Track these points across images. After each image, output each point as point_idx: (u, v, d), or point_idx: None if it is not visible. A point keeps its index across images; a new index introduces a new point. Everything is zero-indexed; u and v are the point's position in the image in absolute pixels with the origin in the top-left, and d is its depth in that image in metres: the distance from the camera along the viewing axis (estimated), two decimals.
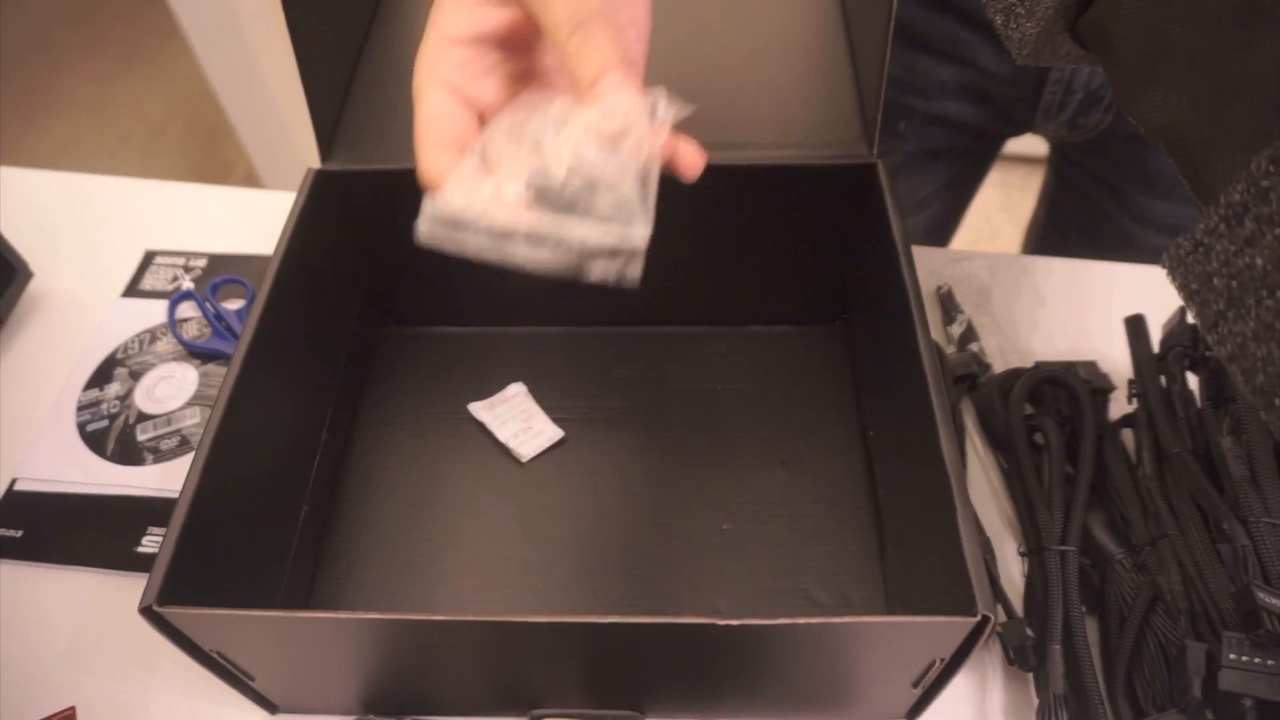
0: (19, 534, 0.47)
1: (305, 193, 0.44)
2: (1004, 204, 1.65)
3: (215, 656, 0.35)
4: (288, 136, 1.63)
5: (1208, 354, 0.43)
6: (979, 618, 0.30)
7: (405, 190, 0.47)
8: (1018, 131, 0.66)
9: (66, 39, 2.18)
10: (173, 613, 0.31)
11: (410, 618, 0.31)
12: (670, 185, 0.46)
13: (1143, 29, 0.27)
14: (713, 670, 0.35)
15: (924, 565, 0.37)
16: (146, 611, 0.31)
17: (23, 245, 0.56)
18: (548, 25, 0.30)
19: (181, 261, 0.59)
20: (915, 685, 0.36)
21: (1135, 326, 0.46)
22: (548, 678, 0.38)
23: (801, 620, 0.30)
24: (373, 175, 0.46)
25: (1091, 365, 0.48)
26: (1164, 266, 0.26)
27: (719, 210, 0.47)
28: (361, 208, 0.47)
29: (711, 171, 0.45)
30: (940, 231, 0.77)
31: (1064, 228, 0.75)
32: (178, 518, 0.34)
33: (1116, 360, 0.49)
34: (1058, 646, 0.39)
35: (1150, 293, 0.48)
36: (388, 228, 0.48)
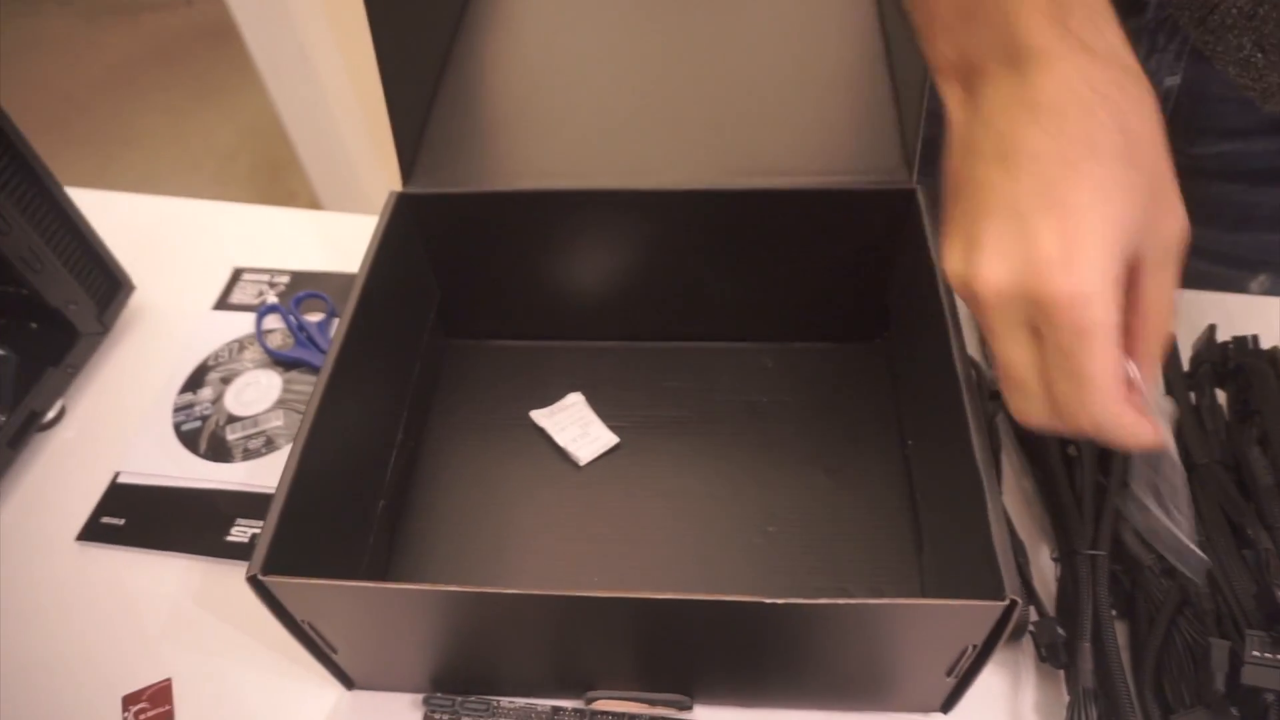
0: (121, 522, 0.52)
1: (388, 214, 0.49)
2: None
3: (305, 627, 0.39)
4: (350, 167, 1.71)
5: (1235, 369, 0.45)
6: (1007, 601, 0.32)
7: (476, 212, 0.52)
8: None
9: (144, 76, 2.31)
10: (274, 582, 0.35)
11: (478, 590, 0.34)
12: (716, 210, 0.50)
13: None
14: (758, 653, 0.38)
15: (957, 559, 0.40)
16: (253, 581, 0.35)
17: (124, 262, 0.62)
18: None
19: (266, 278, 0.64)
20: (949, 674, 0.38)
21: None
22: (602, 659, 0.40)
23: (841, 600, 0.33)
24: (448, 198, 0.50)
25: None
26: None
27: (766, 233, 0.50)
28: (436, 228, 0.52)
29: (758, 196, 0.49)
30: None
31: None
32: (277, 503, 0.37)
33: None
34: (1087, 644, 0.40)
35: (1181, 316, 0.50)
36: (459, 247, 0.53)
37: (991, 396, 0.52)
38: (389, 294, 0.48)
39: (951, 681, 0.39)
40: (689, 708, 0.42)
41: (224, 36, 2.25)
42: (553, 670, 0.42)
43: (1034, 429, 0.32)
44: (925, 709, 0.42)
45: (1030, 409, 0.31)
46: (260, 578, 0.35)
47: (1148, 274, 0.30)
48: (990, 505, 0.34)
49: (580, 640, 0.39)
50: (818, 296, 0.54)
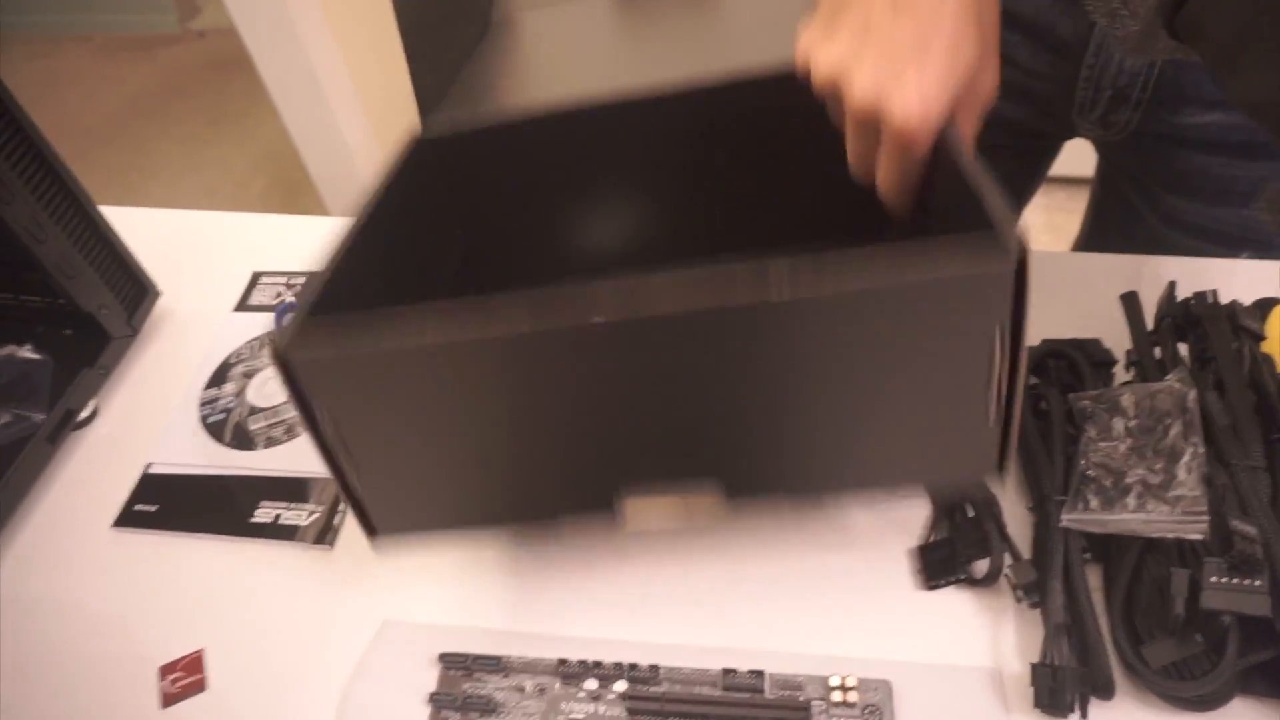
0: (154, 508, 0.55)
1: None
2: (1049, 225, 1.67)
3: (327, 427, 0.36)
4: (363, 186, 1.76)
5: (1194, 321, 0.47)
6: (1016, 250, 0.29)
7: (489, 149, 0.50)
8: (1060, 129, 0.69)
9: (161, 107, 2.38)
10: (300, 360, 0.33)
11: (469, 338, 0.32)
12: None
13: (1233, 19, 0.33)
14: (779, 390, 0.34)
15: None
16: (279, 360, 0.34)
17: (150, 269, 0.66)
18: None
19: (284, 279, 0.67)
20: (989, 398, 0.34)
21: (1130, 302, 0.50)
22: (624, 451, 0.37)
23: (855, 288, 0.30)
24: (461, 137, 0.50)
25: (1095, 342, 0.53)
26: (1259, 209, 0.33)
27: (786, 123, 0.46)
28: (454, 173, 0.50)
29: (771, 82, 0.46)
30: None
31: (1104, 232, 0.78)
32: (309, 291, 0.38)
33: (1118, 339, 0.53)
34: (1057, 582, 0.43)
35: (1147, 277, 0.53)
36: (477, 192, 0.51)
37: None
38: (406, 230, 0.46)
39: (996, 432, 0.36)
40: (722, 496, 0.38)
41: (236, 66, 2.32)
42: (576, 472, 0.39)
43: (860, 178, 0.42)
44: (979, 468, 0.38)
45: (859, 170, 0.42)
46: (283, 354, 0.33)
47: (960, 111, 0.39)
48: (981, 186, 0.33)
49: (596, 423, 0.36)
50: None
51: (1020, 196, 0.79)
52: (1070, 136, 0.70)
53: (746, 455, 0.37)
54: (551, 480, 0.39)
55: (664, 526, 0.38)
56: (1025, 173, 0.77)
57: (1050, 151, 0.75)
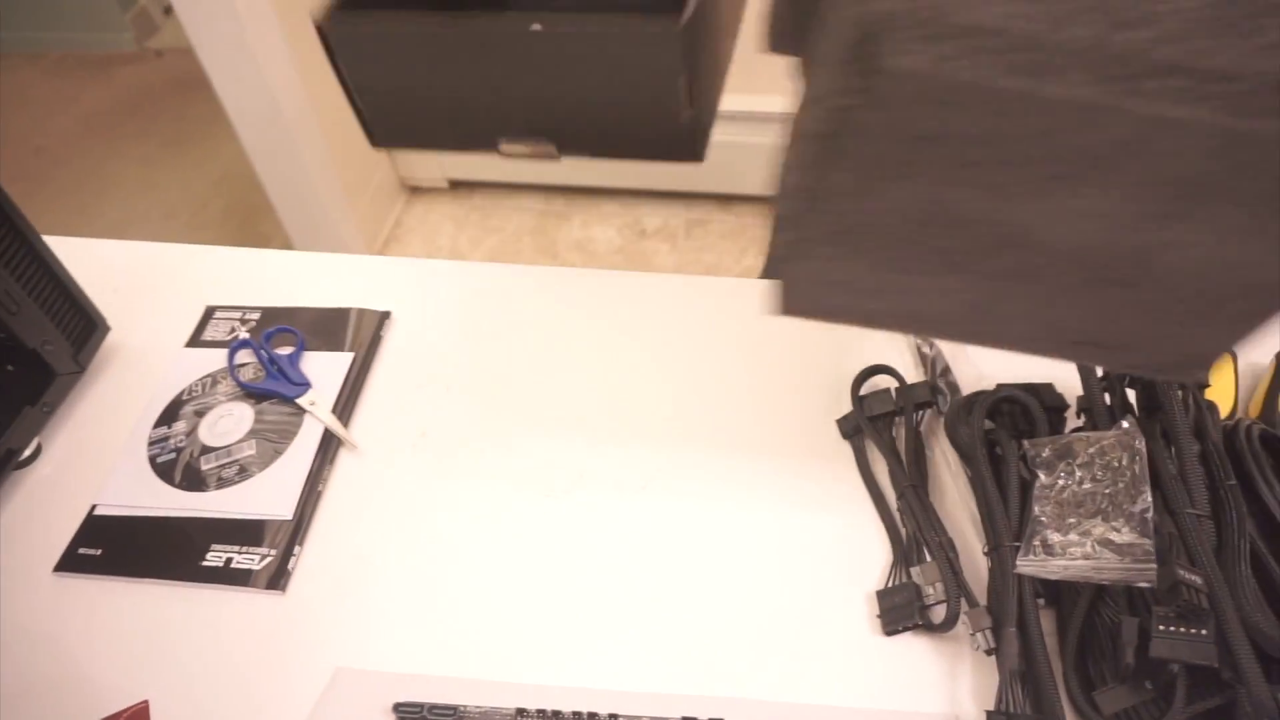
0: (98, 552, 0.54)
1: None
2: None
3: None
4: (322, 210, 1.74)
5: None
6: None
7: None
8: None
9: (117, 127, 2.34)
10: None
11: None
12: None
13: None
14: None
15: None
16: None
17: (99, 304, 0.64)
18: None
19: (238, 315, 0.66)
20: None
21: None
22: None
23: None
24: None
25: (1049, 387, 0.54)
26: None
27: None
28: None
29: None
30: None
31: None
32: None
33: (1071, 384, 0.55)
34: (1012, 629, 0.43)
35: None
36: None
37: (917, 406, 0.55)
38: None
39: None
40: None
41: (194, 86, 2.29)
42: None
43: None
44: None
45: None
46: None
47: None
48: None
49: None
50: None
51: None
52: None
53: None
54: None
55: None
56: None
57: None
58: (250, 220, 2.01)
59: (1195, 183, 0.27)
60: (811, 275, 0.35)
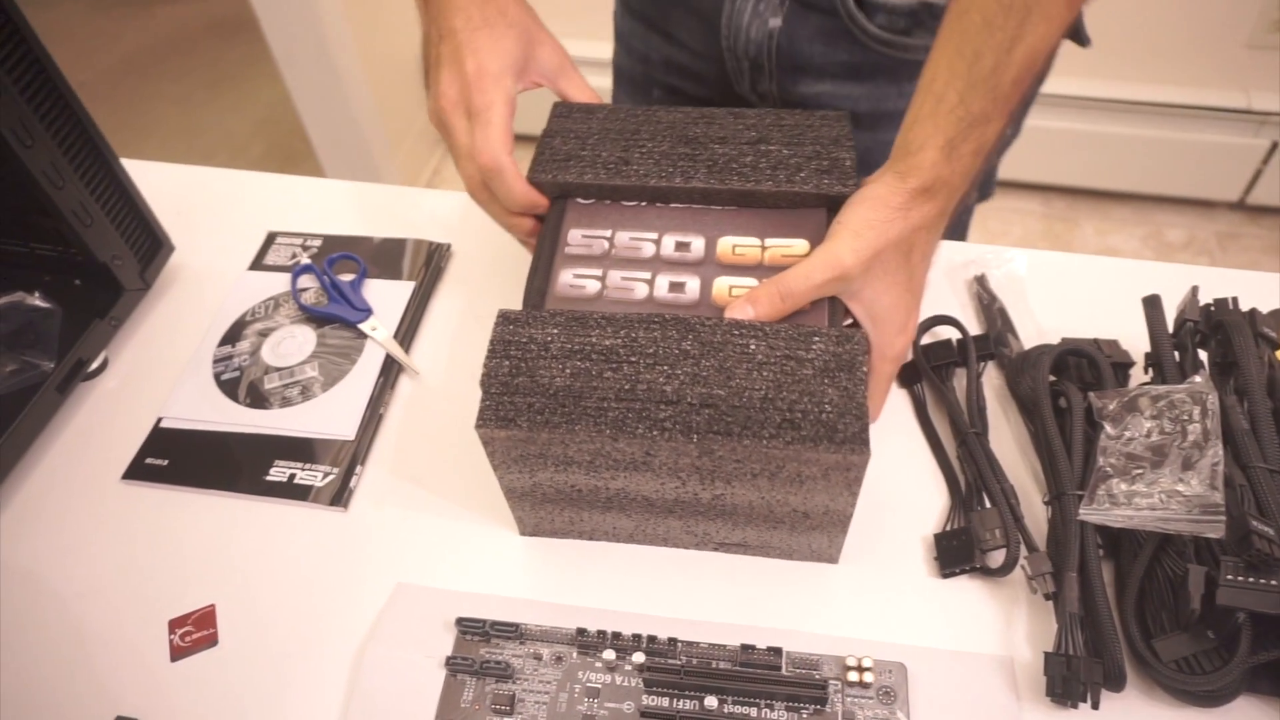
0: (165, 463, 0.55)
1: None
2: (1046, 232, 1.69)
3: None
4: (366, 156, 1.74)
5: (1215, 325, 0.48)
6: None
7: None
8: (735, 103, 0.70)
9: (158, 66, 2.34)
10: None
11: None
12: None
13: None
14: None
15: None
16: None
17: (164, 224, 0.65)
18: None
19: (300, 241, 0.67)
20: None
21: (1152, 304, 0.51)
22: None
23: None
24: None
25: (1114, 343, 0.53)
26: None
27: None
28: None
29: None
30: None
31: None
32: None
33: (1136, 341, 0.54)
34: (1073, 574, 0.44)
35: (1166, 283, 0.53)
36: None
37: (980, 358, 0.55)
38: None
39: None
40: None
41: (237, 27, 2.28)
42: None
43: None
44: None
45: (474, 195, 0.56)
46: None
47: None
48: None
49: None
50: None
51: None
52: (743, 101, 0.71)
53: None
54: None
55: None
56: None
57: None
58: (290, 164, 2.02)
59: (701, 469, 0.43)
60: (528, 512, 0.50)
